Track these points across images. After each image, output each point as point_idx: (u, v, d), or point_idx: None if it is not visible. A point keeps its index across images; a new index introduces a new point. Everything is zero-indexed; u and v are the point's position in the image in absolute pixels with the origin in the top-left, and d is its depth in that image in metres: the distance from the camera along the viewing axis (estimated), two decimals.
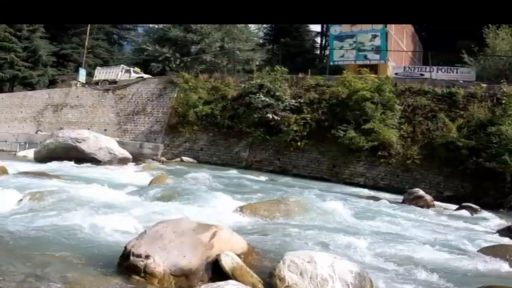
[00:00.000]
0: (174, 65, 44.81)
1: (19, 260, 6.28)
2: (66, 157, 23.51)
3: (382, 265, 7.09)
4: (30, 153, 28.87)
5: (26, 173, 16.84)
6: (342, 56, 39.27)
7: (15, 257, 6.41)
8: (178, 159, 29.82)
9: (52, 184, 14.27)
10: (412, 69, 33.56)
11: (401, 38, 42.40)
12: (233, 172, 23.96)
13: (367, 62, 36.72)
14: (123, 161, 25.09)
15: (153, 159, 28.77)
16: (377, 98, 25.17)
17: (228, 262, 5.84)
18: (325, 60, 53.17)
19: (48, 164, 22.06)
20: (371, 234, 9.38)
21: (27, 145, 34.70)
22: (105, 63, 56.58)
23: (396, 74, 31.77)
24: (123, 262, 6.17)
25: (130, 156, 26.17)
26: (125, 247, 6.27)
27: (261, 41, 58.36)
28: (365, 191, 20.74)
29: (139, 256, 5.99)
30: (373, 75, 28.71)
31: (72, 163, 22.81)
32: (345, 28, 38.29)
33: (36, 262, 6.27)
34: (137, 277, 5.86)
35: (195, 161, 29.49)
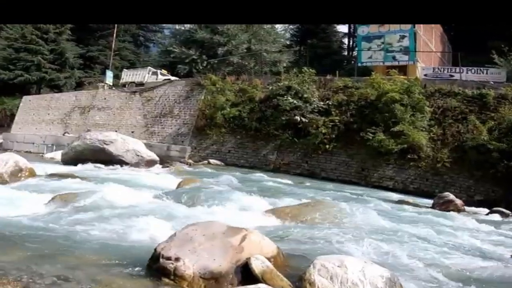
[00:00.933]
0: (201, 67, 45.01)
1: (49, 262, 6.34)
2: (93, 159, 23.69)
3: (412, 271, 7.00)
4: (57, 155, 29.13)
5: (54, 175, 17.03)
6: (370, 57, 39.05)
7: (44, 259, 6.47)
8: (206, 161, 29.71)
9: (80, 186, 14.44)
10: (442, 70, 33.30)
11: (429, 38, 42.06)
12: (261, 175, 23.78)
13: (396, 63, 36.53)
14: (150, 163, 25.14)
15: (180, 162, 28.78)
16: (407, 100, 24.99)
17: (258, 265, 5.84)
18: (353, 62, 53.06)
19: (76, 166, 22.30)
20: (400, 238, 9.28)
21: (54, 147, 35.16)
22: (132, 65, 56.85)
23: (425, 75, 31.54)
24: (153, 265, 6.21)
25: (157, 159, 26.22)
26: (155, 250, 6.32)
27: (287, 43, 58.36)
28: (394, 195, 20.40)
29: (169, 258, 6.02)
30: (402, 77, 28.30)
31: (99, 165, 23.05)
32: (373, 29, 38.07)
33: (65, 264, 6.35)
34: (167, 280, 5.88)
35: (222, 163, 29.39)
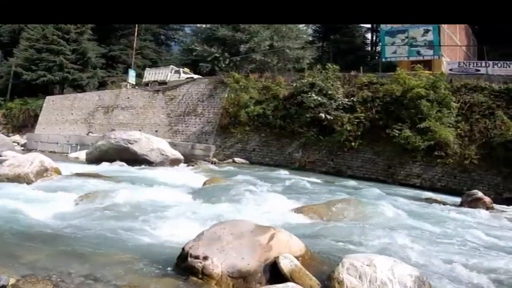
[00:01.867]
0: (223, 65, 44.98)
1: (77, 261, 6.51)
2: (117, 158, 23.95)
3: (440, 270, 7.01)
4: (81, 154, 29.45)
5: (79, 175, 17.24)
6: (395, 52, 38.81)
7: (73, 258, 6.65)
8: (230, 160, 29.81)
9: (106, 185, 14.66)
10: (467, 64, 33.00)
11: (454, 32, 41.61)
12: (286, 173, 23.81)
13: (420, 58, 36.27)
14: (175, 162, 25.37)
15: (205, 160, 28.92)
16: (433, 96, 24.80)
17: (287, 264, 5.94)
18: (377, 57, 52.77)
19: (100, 165, 22.51)
20: (428, 237, 9.31)
21: (78, 147, 35.47)
22: (154, 64, 57.26)
23: (450, 70, 31.29)
24: (181, 263, 6.34)
25: (182, 157, 26.41)
26: (183, 248, 6.46)
27: (310, 39, 58.13)
28: (422, 193, 20.19)
29: (197, 257, 6.14)
30: (427, 72, 28.17)
31: (124, 164, 23.27)
32: (396, 24, 37.89)
33: (93, 263, 6.50)
34: (195, 279, 5.99)
35: (247, 162, 29.43)
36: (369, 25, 62.84)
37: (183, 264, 6.29)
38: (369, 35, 65.33)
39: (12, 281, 5.59)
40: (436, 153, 24.15)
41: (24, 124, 49.72)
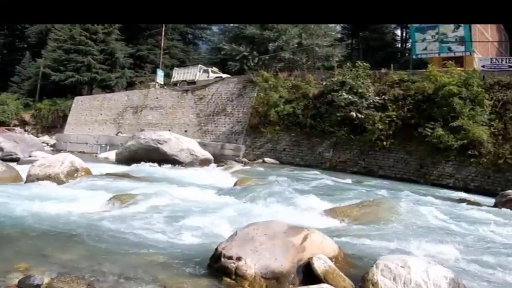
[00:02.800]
0: (252, 64, 44.95)
1: (110, 261, 6.66)
2: (147, 158, 24.05)
3: (475, 272, 6.96)
4: (111, 155, 29.76)
5: (110, 175, 17.44)
6: (425, 49, 38.35)
7: (106, 258, 6.80)
8: (260, 160, 29.79)
9: (136, 185, 14.78)
10: (500, 60, 32.57)
11: (485, 27, 40.80)
12: (317, 173, 23.62)
13: (452, 54, 35.84)
14: (204, 162, 25.46)
15: (235, 161, 28.82)
16: (465, 93, 24.48)
17: (321, 265, 5.97)
18: (407, 54, 52.23)
19: (130, 166, 22.71)
20: (462, 238, 9.18)
21: (107, 147, 35.91)
22: (181, 64, 57.43)
23: (483, 66, 30.83)
24: (214, 264, 6.40)
25: (212, 158, 26.49)
26: (216, 249, 6.53)
27: (339, 36, 57.89)
28: (455, 193, 19.79)
29: (230, 258, 6.19)
30: (459, 68, 27.78)
31: (153, 164, 23.45)
32: None
33: (126, 263, 6.64)
34: (228, 279, 6.04)
35: (277, 162, 29.32)
36: None
37: (216, 264, 6.36)
38: (398, 32, 64.73)
39: (46, 280, 5.76)
40: (469, 152, 23.82)
41: (53, 124, 50.37)
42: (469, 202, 16.75)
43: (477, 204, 16.34)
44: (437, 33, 37.61)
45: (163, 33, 54.36)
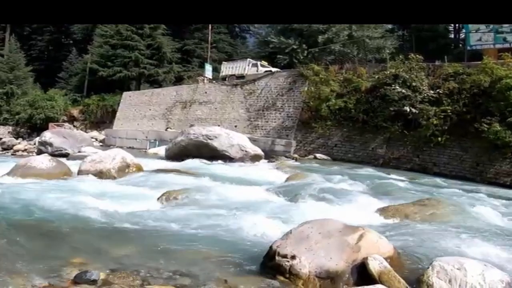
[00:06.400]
0: (301, 57, 45.06)
1: (164, 257, 7.02)
2: (197, 154, 24.63)
3: None
4: (160, 150, 30.37)
5: (161, 170, 18.02)
6: (480, 40, 37.47)
7: (159, 254, 7.17)
8: (311, 156, 29.68)
9: (187, 181, 15.35)
10: None
11: None
12: (370, 170, 23.56)
13: (507, 45, 35.18)
14: (255, 158, 25.82)
15: (286, 157, 28.96)
16: None
17: (376, 266, 6.14)
18: (460, 45, 51.49)
19: (180, 161, 23.30)
20: None
21: (157, 143, 36.52)
22: (229, 57, 57.70)
23: None
24: (268, 262, 6.64)
25: (262, 153, 26.85)
26: (271, 247, 6.76)
27: (389, 27, 57.38)
28: None
29: (285, 256, 6.43)
30: None
31: (204, 160, 23.91)
32: None
33: (180, 259, 6.99)
34: (282, 278, 6.28)
35: (329, 158, 29.17)
36: None
37: (271, 262, 6.58)
38: None
39: (102, 275, 6.12)
40: None
41: (102, 120, 51.08)
42: None
43: None
44: None
45: (209, 27, 54.64)
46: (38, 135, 38.13)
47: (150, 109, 44.99)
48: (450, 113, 25.83)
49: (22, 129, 51.44)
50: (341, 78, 32.59)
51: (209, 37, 54.97)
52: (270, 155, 28.70)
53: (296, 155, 29.94)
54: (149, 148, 36.13)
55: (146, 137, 39.27)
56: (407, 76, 28.06)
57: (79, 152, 27.74)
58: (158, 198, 12.19)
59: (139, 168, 17.95)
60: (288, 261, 6.37)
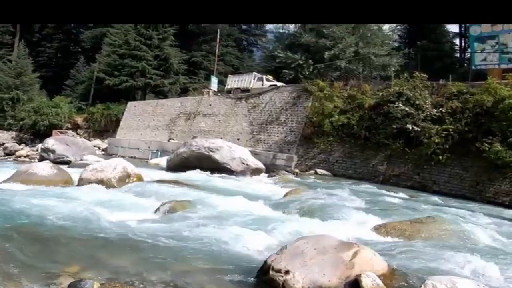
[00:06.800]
0: (307, 72, 45.18)
1: (159, 268, 7.04)
2: (198, 166, 24.62)
3: None
4: (162, 161, 30.35)
5: (161, 181, 18.01)
6: (484, 60, 37.39)
7: (154, 265, 7.20)
8: (312, 171, 29.65)
9: (187, 193, 15.31)
10: None
11: None
12: (370, 186, 23.55)
13: None
14: (256, 172, 25.76)
15: (286, 171, 28.87)
16: None
17: (369, 283, 6.19)
18: (465, 64, 51.47)
19: (181, 173, 23.19)
20: None
21: (159, 153, 36.48)
22: (236, 71, 57.87)
23: None
24: (262, 276, 6.69)
25: (263, 167, 26.80)
26: (265, 261, 6.82)
27: (396, 45, 57.51)
28: (510, 213, 18.84)
29: (279, 271, 6.47)
30: None
31: (205, 172, 23.91)
32: (486, 29, 36.07)
33: (175, 271, 7.01)
34: None
35: (330, 174, 29.12)
36: (457, 30, 61.56)
37: (264, 277, 6.64)
38: (457, 41, 63.47)
39: (96, 285, 6.14)
40: None
41: (106, 128, 51.27)
42: None
43: None
44: (496, 43, 36.84)
45: (218, 40, 54.86)
46: (41, 141, 38.14)
47: (154, 120, 45.17)
48: (452, 132, 25.83)
49: (26, 135, 51.57)
50: (345, 95, 32.64)
51: (217, 50, 55.16)
52: (271, 169, 28.61)
53: (297, 170, 29.88)
54: (151, 159, 36.10)
55: (149, 147, 39.26)
56: (411, 94, 28.08)
57: (81, 160, 27.84)
58: (156, 209, 12.23)
59: (140, 178, 18.01)
60: (282, 276, 6.41)
